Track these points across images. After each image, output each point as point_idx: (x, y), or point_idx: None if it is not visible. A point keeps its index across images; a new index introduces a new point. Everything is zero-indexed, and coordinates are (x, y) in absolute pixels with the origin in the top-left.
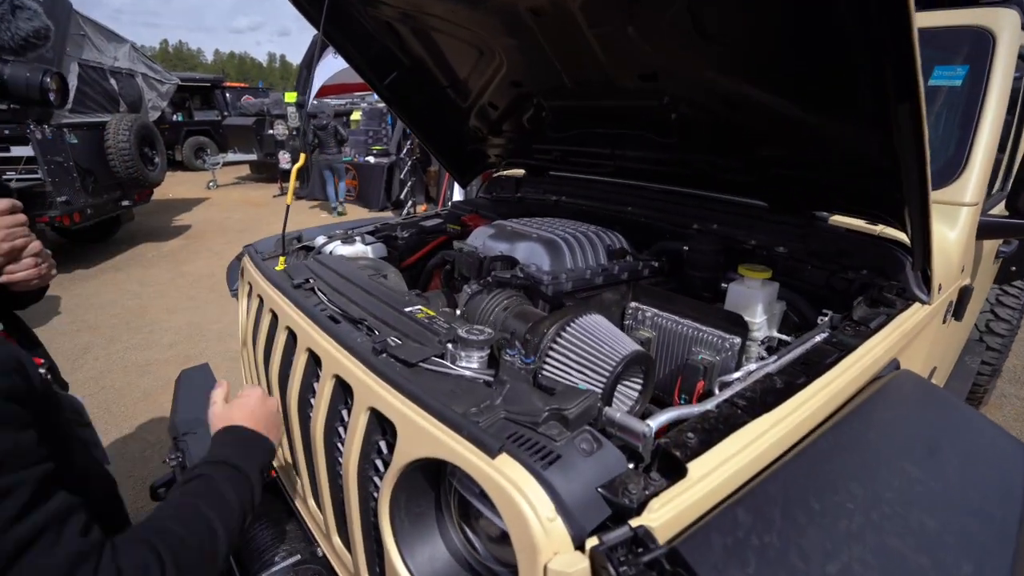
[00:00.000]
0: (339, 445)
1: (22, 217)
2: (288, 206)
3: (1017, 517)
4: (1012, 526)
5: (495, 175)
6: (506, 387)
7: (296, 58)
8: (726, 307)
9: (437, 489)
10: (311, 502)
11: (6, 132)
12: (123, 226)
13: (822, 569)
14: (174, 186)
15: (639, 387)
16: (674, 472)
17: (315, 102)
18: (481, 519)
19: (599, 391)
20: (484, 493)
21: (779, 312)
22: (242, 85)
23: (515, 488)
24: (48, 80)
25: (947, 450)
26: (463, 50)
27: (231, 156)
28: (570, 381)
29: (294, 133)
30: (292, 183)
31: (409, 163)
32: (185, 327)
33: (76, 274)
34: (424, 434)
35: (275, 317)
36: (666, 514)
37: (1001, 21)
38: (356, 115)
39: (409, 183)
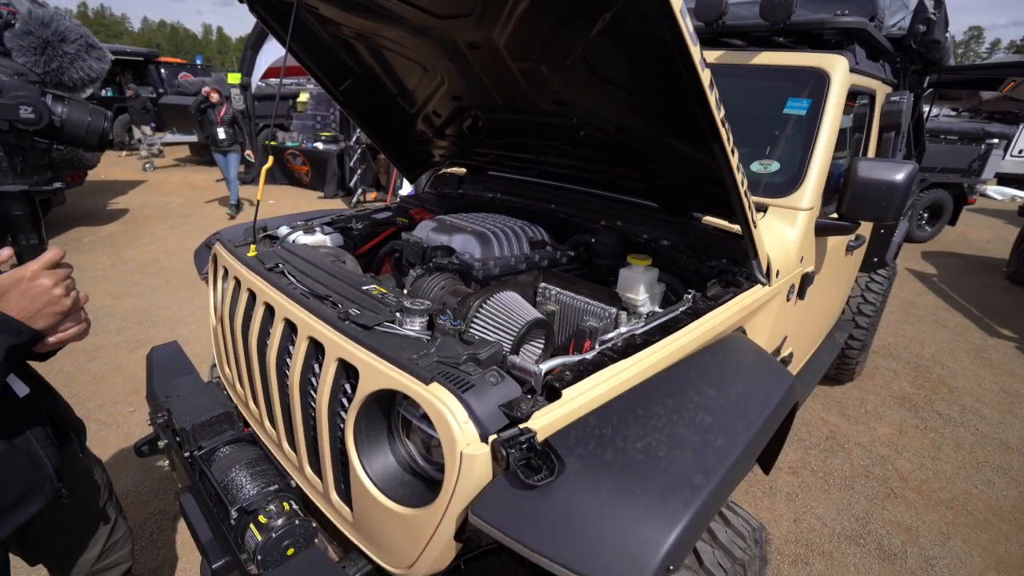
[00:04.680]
0: (312, 392)
1: (71, 268)
2: (258, 201)
3: (763, 417)
4: (758, 422)
5: (440, 172)
6: (438, 340)
7: (234, 31)
8: (618, 288)
9: (388, 417)
10: (286, 446)
11: None
12: (53, 209)
13: (633, 446)
14: (106, 167)
15: (541, 346)
16: (553, 396)
17: (261, 84)
18: (420, 433)
19: (507, 344)
20: (423, 416)
21: (660, 292)
22: (179, 61)
23: (442, 404)
24: (107, 125)
25: (738, 380)
26: (410, 67)
27: (169, 137)
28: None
29: (237, 116)
30: (262, 180)
31: (359, 151)
32: (133, 312)
33: None
34: (380, 373)
35: (252, 296)
36: (544, 421)
37: (834, 64)
38: (303, 97)
39: (359, 171)
